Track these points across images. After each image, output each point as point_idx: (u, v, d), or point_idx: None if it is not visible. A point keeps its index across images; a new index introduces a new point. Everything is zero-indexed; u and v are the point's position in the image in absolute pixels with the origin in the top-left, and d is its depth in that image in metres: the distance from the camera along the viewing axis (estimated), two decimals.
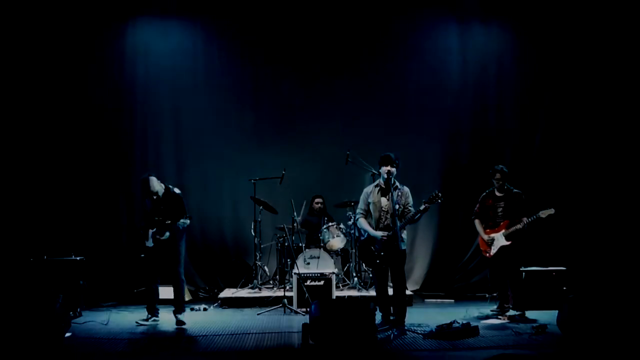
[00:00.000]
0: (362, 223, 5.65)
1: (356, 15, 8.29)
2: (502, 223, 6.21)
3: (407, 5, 8.35)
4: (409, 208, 5.59)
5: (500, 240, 6.16)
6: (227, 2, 8.28)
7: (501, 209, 6.24)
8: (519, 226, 6.05)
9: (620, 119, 7.93)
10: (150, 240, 5.93)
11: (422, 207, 5.34)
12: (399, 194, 5.55)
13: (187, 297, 7.72)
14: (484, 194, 6.42)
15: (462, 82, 8.38)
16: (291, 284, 6.96)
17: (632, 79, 7.89)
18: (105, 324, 5.94)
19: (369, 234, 5.60)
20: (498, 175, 6.22)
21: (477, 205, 6.44)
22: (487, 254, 6.28)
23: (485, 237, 6.24)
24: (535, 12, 8.18)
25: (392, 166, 5.51)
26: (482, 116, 8.35)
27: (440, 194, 5.33)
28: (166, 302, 7.27)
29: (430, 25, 8.44)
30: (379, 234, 5.47)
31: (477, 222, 6.41)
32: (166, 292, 7.44)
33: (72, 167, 7.75)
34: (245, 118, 8.38)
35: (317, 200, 8.07)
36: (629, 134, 7.89)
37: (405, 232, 5.60)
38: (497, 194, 6.30)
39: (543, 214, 6.02)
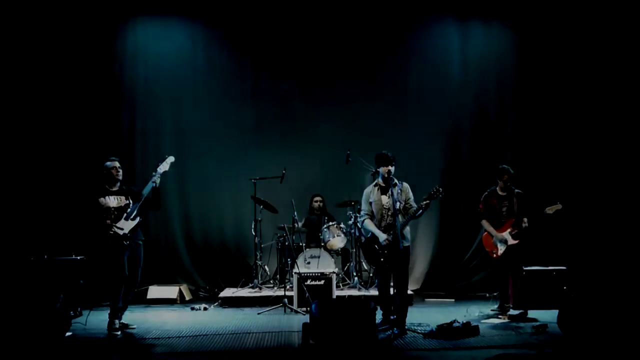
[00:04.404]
0: (368, 225, 5.63)
1: (356, 15, 8.29)
2: (506, 222, 6.20)
3: (408, 5, 8.35)
4: (411, 203, 5.58)
5: (508, 240, 6.15)
6: (227, 2, 8.28)
7: (505, 208, 6.25)
8: (523, 225, 6.05)
9: (621, 117, 7.93)
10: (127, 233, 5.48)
11: (423, 204, 5.33)
12: (399, 190, 5.55)
13: (188, 297, 7.75)
14: (486, 193, 6.41)
15: (462, 81, 8.38)
16: (291, 283, 6.96)
17: (632, 77, 7.88)
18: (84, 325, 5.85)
19: (372, 234, 5.60)
20: (506, 177, 6.23)
21: (481, 205, 6.41)
22: (494, 254, 6.25)
23: (499, 235, 6.19)
24: (536, 11, 8.18)
25: (391, 165, 5.51)
26: (482, 115, 8.35)
27: (440, 189, 5.32)
28: (165, 302, 7.37)
29: (431, 25, 8.44)
30: (383, 237, 5.46)
31: (485, 222, 6.34)
32: (165, 291, 7.53)
33: (72, 167, 7.74)
34: (246, 117, 8.37)
35: (316, 198, 8.07)
36: (630, 133, 7.88)
37: (408, 228, 5.59)
38: (500, 193, 6.30)
39: (550, 209, 6.00)
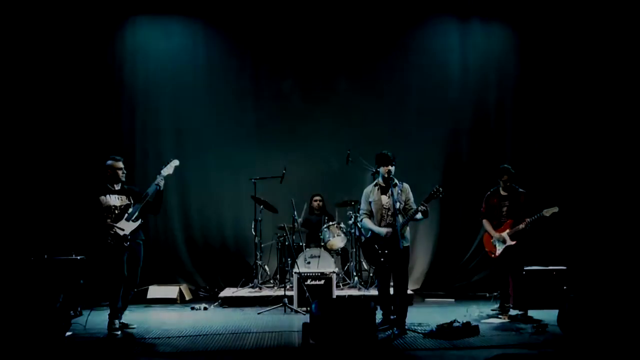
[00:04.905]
0: (367, 223, 5.64)
1: (357, 14, 8.30)
2: (506, 222, 6.20)
3: (408, 4, 8.35)
4: (410, 204, 5.58)
5: (506, 239, 6.16)
6: (228, 2, 8.28)
7: (506, 208, 6.24)
8: (521, 226, 6.05)
9: (622, 117, 7.93)
10: (127, 234, 5.48)
11: (421, 208, 5.33)
12: (399, 190, 5.56)
13: (188, 297, 7.75)
14: (489, 192, 6.41)
15: (462, 80, 8.38)
16: (291, 283, 6.96)
17: (632, 78, 7.88)
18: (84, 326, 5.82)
19: (372, 233, 5.59)
20: (505, 177, 6.22)
21: (483, 205, 6.42)
22: (493, 255, 6.26)
23: (497, 235, 6.20)
24: (536, 11, 8.19)
25: (391, 165, 5.52)
26: (482, 114, 8.35)
27: (440, 189, 5.33)
28: (165, 302, 7.37)
29: (431, 24, 8.44)
30: (384, 230, 5.46)
31: (485, 222, 6.36)
32: (165, 291, 7.53)
33: (72, 167, 7.74)
34: (246, 117, 8.38)
35: (315, 198, 8.07)
36: (630, 133, 7.88)
37: (408, 229, 5.59)
38: (502, 193, 6.30)
39: (547, 212, 6.00)
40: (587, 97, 8.08)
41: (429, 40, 8.44)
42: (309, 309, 5.63)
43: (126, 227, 5.47)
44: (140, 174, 7.67)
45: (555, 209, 6.01)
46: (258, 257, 7.57)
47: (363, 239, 5.90)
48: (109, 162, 5.61)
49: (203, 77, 8.34)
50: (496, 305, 6.45)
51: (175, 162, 5.82)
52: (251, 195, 7.61)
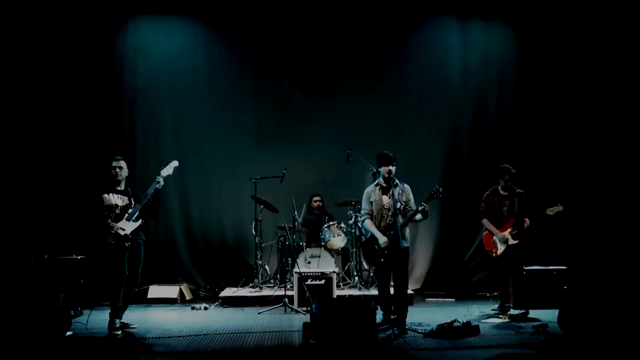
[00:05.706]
0: (368, 225, 5.64)
1: (356, 14, 8.30)
2: (507, 222, 6.22)
3: (408, 4, 8.35)
4: (410, 205, 5.59)
5: (508, 239, 6.17)
6: (228, 2, 8.28)
7: (506, 207, 6.28)
8: (525, 225, 6.07)
9: (623, 118, 7.93)
10: (128, 234, 5.48)
11: (421, 207, 5.34)
12: (400, 191, 5.57)
13: (188, 296, 7.75)
14: (488, 192, 6.42)
15: (463, 80, 8.38)
16: (292, 283, 6.96)
17: (633, 77, 7.89)
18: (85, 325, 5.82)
19: (372, 233, 5.60)
20: (507, 176, 6.24)
21: (482, 204, 6.43)
22: (494, 254, 6.27)
23: (500, 234, 6.22)
24: (536, 11, 8.20)
25: (392, 165, 5.52)
26: (483, 115, 8.35)
27: (441, 189, 5.35)
28: (165, 302, 7.37)
29: (431, 24, 8.45)
30: (383, 239, 5.47)
31: (486, 221, 6.37)
32: (166, 291, 7.53)
33: (72, 167, 7.75)
34: (246, 117, 8.38)
35: (315, 198, 8.08)
36: (631, 133, 7.88)
37: (408, 229, 5.60)
38: (502, 192, 6.32)
39: (550, 211, 6.03)
40: (588, 96, 8.09)
41: (429, 39, 8.44)
42: (309, 308, 5.63)
43: (127, 227, 5.50)
44: (141, 174, 7.67)
45: (560, 208, 6.04)
46: (258, 256, 7.57)
47: (363, 239, 5.91)
48: (113, 163, 5.67)
49: (203, 77, 8.34)
50: (496, 305, 6.45)
51: (175, 163, 5.84)
52: (251, 195, 7.61)
